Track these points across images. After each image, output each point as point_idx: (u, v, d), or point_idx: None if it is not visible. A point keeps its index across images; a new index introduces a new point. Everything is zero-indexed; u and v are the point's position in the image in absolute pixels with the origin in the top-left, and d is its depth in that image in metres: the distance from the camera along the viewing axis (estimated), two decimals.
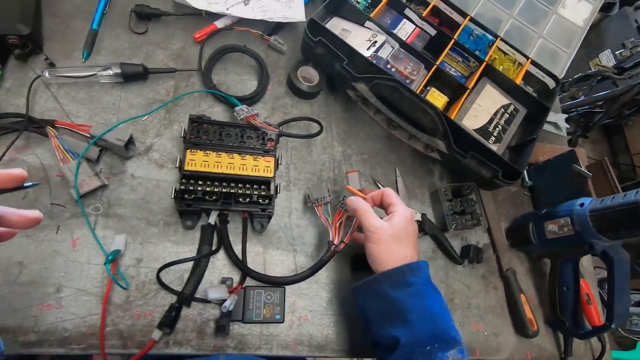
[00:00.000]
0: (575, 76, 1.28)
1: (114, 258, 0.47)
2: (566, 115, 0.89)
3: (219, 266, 0.54)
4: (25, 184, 0.32)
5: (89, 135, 0.51)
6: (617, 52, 1.24)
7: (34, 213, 0.33)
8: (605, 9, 2.15)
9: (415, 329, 0.44)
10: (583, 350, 0.71)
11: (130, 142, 0.52)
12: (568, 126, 0.89)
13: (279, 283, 0.54)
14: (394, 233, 0.49)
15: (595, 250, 0.60)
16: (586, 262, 0.78)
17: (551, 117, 0.89)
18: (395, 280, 0.47)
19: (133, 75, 0.57)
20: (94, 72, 0.55)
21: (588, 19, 0.82)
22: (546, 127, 0.88)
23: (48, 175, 0.51)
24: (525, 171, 0.80)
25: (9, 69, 0.53)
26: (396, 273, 0.47)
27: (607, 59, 1.39)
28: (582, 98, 1.29)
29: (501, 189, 0.76)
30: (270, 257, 0.57)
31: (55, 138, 0.50)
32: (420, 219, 0.67)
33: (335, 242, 0.53)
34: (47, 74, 0.53)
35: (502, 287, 0.69)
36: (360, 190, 0.56)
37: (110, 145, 0.52)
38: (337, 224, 0.54)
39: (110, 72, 0.56)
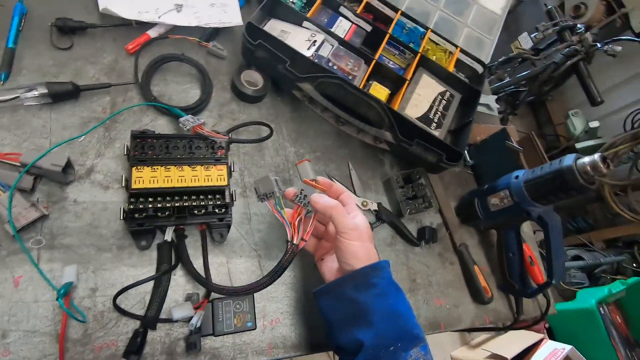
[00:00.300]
0: (499, 59, 1.40)
1: (66, 291, 0.44)
2: (496, 96, 0.97)
3: (182, 283, 0.52)
4: None
5: (19, 164, 0.47)
6: (532, 36, 1.38)
7: None
8: None
9: (379, 330, 0.44)
10: (532, 307, 0.78)
11: (68, 166, 0.49)
12: (498, 106, 0.97)
13: (238, 293, 0.49)
14: (368, 232, 0.49)
15: (532, 217, 0.66)
16: (527, 228, 0.86)
17: (483, 99, 0.96)
18: (359, 282, 0.46)
19: (62, 94, 0.53)
20: (17, 95, 0.51)
21: (505, 6, 0.90)
22: (480, 108, 0.95)
23: None
24: (466, 152, 0.86)
25: None
26: (360, 275, 0.46)
27: (525, 41, 1.53)
28: (507, 79, 1.41)
29: (447, 170, 0.81)
30: (235, 266, 0.57)
31: None
32: (377, 208, 0.69)
33: (295, 241, 0.49)
34: None
35: (458, 262, 0.74)
36: (314, 180, 0.52)
37: (46, 172, 0.48)
38: (296, 222, 0.50)
39: (36, 92, 0.52)
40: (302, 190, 0.50)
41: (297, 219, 0.49)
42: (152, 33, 0.64)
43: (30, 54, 0.56)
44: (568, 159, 0.59)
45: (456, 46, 0.80)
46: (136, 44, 0.62)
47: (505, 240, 0.72)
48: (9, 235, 0.46)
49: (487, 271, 0.77)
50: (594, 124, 2.08)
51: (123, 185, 0.50)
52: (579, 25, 1.29)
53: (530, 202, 0.64)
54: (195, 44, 0.67)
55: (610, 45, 1.22)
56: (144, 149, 0.52)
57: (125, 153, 0.52)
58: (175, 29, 0.66)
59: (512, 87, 1.42)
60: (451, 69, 0.78)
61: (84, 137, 0.54)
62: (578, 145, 2.05)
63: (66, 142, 0.52)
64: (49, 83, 0.52)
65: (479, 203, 0.73)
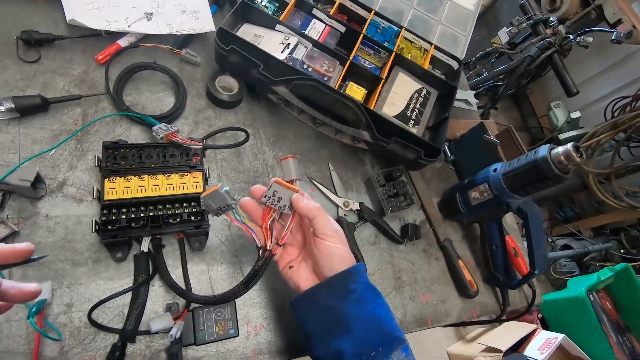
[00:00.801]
0: (477, 55, 1.42)
1: (39, 309, 0.43)
2: (474, 92, 0.98)
3: (162, 293, 0.52)
4: (32, 257, 0.32)
5: None
6: (507, 30, 1.40)
7: (32, 286, 0.31)
8: None
9: (359, 337, 0.43)
10: (518, 298, 0.79)
11: (38, 180, 0.48)
12: (477, 101, 0.98)
13: (214, 302, 0.48)
14: (344, 236, 0.49)
15: (511, 208, 0.67)
16: (510, 220, 0.87)
17: (461, 94, 0.97)
18: (336, 289, 0.45)
19: (30, 108, 0.53)
20: None
21: (477, 2, 0.91)
22: (458, 104, 0.96)
23: None
24: (446, 147, 0.87)
25: None
26: (336, 281, 0.46)
27: (504, 36, 1.55)
28: (485, 74, 1.43)
29: (427, 167, 0.81)
30: (216, 273, 0.56)
31: None
32: (359, 208, 0.69)
33: (268, 246, 0.46)
34: None
35: (442, 257, 0.75)
36: (291, 182, 0.49)
37: (15, 188, 0.47)
38: (268, 224, 0.46)
39: (2, 107, 0.51)
40: (276, 191, 0.46)
41: (270, 221, 0.46)
42: (123, 42, 0.63)
43: None
44: (542, 150, 0.60)
45: (430, 43, 0.81)
46: (106, 54, 0.61)
47: (488, 233, 0.73)
48: None
49: (472, 265, 0.77)
50: (576, 114, 2.11)
51: (95, 197, 0.49)
52: (552, 19, 1.31)
53: (509, 194, 0.65)
54: (168, 51, 0.66)
55: (582, 37, 1.24)
56: (116, 160, 0.52)
57: (96, 164, 0.51)
58: (146, 38, 0.65)
59: (491, 81, 1.44)
60: (426, 66, 0.79)
61: (54, 150, 0.53)
62: (561, 136, 2.08)
63: (36, 156, 0.51)
64: (15, 97, 0.51)
65: (460, 197, 0.74)
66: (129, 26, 0.62)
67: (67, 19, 0.59)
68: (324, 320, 0.45)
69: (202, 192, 0.53)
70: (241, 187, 0.63)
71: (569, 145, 0.58)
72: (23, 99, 0.52)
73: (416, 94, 0.76)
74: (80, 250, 0.50)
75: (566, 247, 2.09)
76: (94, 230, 0.46)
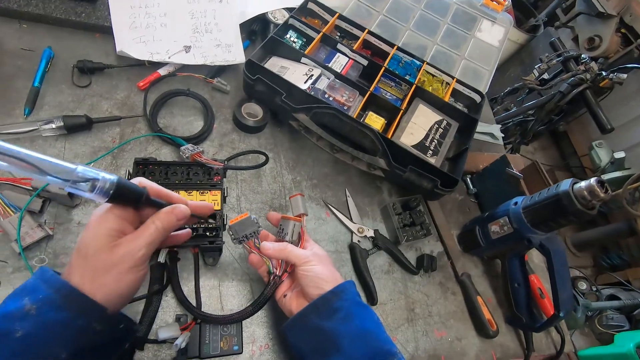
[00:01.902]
0: (505, 90, 1.41)
1: None
2: (500, 126, 0.97)
3: (173, 304, 0.54)
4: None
5: (31, 188, 0.52)
6: (536, 66, 1.38)
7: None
8: (532, 30, 2.38)
9: (349, 354, 0.43)
10: (545, 344, 0.73)
11: None
12: (503, 135, 0.97)
13: (217, 322, 0.51)
14: (327, 258, 0.52)
15: (533, 244, 0.64)
16: (536, 259, 0.83)
17: (487, 128, 0.97)
18: (323, 310, 0.46)
19: (76, 126, 0.59)
20: (35, 127, 0.56)
21: (502, 39, 0.92)
22: (484, 137, 0.96)
23: None
24: (468, 179, 0.85)
25: None
26: (322, 302, 0.46)
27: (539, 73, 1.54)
28: (514, 109, 1.40)
29: (448, 198, 0.81)
30: (226, 289, 0.57)
31: None
32: (374, 235, 0.69)
33: (278, 272, 0.51)
34: None
35: (460, 292, 0.72)
36: (300, 215, 0.55)
37: (54, 196, 0.52)
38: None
39: (53, 125, 0.57)
40: (281, 225, 0.54)
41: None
42: (162, 71, 0.70)
43: (53, 92, 0.62)
44: (564, 184, 0.58)
45: (452, 77, 0.83)
46: (147, 81, 0.68)
47: (509, 270, 0.70)
48: (15, 253, 0.49)
49: (492, 303, 0.73)
50: (620, 154, 2.00)
51: None
52: (583, 55, 1.29)
53: (530, 229, 0.62)
54: (201, 80, 0.72)
55: (615, 74, 1.20)
56: (145, 175, 0.56)
57: (127, 178, 0.55)
58: (183, 67, 0.72)
59: (520, 117, 1.41)
60: (447, 98, 0.80)
61: (92, 164, 0.59)
62: (605, 177, 1.96)
63: None
64: (65, 117, 0.58)
65: (480, 231, 0.72)
66: (169, 57, 0.69)
67: (117, 50, 0.67)
68: (314, 341, 0.46)
69: (219, 210, 0.56)
70: (258, 208, 0.66)
71: (593, 180, 0.55)
72: (71, 118, 0.59)
73: (436, 125, 0.77)
74: None
75: (613, 297, 1.91)
76: None
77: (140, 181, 0.41)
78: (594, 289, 1.96)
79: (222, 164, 0.59)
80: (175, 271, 0.54)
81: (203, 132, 0.67)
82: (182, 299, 0.52)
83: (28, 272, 0.49)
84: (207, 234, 0.54)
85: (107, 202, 0.36)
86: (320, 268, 0.48)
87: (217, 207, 0.56)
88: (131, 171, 0.56)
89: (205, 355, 0.50)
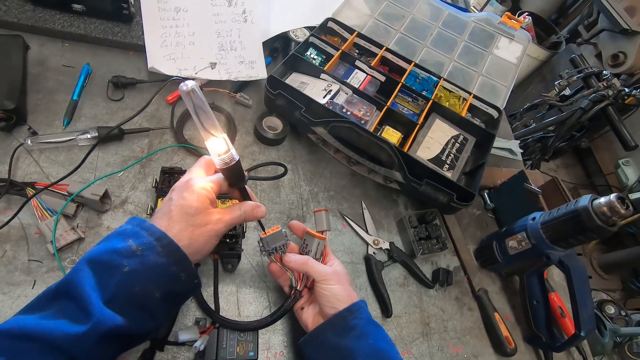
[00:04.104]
0: (525, 106, 1.40)
1: None
2: (518, 141, 0.96)
3: (193, 307, 0.56)
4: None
5: (66, 193, 0.55)
6: (556, 83, 1.37)
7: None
8: (554, 47, 2.37)
9: None
10: None
11: (105, 196, 0.57)
12: (522, 150, 0.96)
13: (236, 328, 0.53)
14: (346, 277, 0.53)
15: (552, 261, 0.63)
16: (557, 277, 0.81)
17: (505, 143, 0.97)
18: (338, 327, 0.47)
19: (109, 137, 0.63)
20: (73, 137, 0.61)
21: (520, 56, 0.93)
22: (502, 153, 0.95)
23: (27, 233, 0.54)
24: (486, 194, 0.85)
25: None
26: (338, 319, 0.48)
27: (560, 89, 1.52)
28: (533, 125, 1.39)
29: (465, 213, 0.81)
30: (243, 295, 0.59)
31: (34, 198, 0.54)
32: (389, 247, 0.70)
33: (299, 287, 0.53)
34: (29, 142, 0.58)
35: (477, 308, 0.71)
36: (322, 232, 0.56)
37: (87, 201, 0.56)
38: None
39: (89, 135, 0.62)
40: (305, 239, 0.56)
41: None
42: None
43: (90, 105, 0.67)
44: (583, 200, 0.58)
45: (469, 93, 0.84)
46: (174, 95, 0.72)
47: (528, 286, 0.69)
48: (50, 255, 0.53)
49: (511, 321, 0.72)
50: None
51: (148, 213, 0.56)
52: (605, 72, 1.27)
53: (548, 245, 0.62)
54: (225, 94, 0.76)
55: (638, 90, 1.18)
56: (170, 183, 0.59)
57: (153, 185, 0.59)
58: (209, 83, 0.76)
59: (540, 133, 1.39)
60: (464, 114, 0.81)
61: (122, 172, 0.62)
62: (632, 196, 1.89)
63: (107, 176, 0.60)
64: (99, 127, 0.62)
65: (498, 246, 0.71)
66: (196, 73, 0.73)
67: (148, 66, 0.71)
68: (330, 358, 0.47)
69: None
70: (276, 217, 0.68)
71: (613, 196, 0.55)
72: (105, 129, 0.63)
73: (452, 140, 0.78)
74: None
75: None
76: None
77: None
78: (623, 313, 1.87)
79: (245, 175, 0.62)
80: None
81: None
82: (202, 303, 0.54)
83: (61, 272, 0.52)
84: (227, 240, 0.56)
85: (221, 169, 0.44)
86: (338, 288, 0.50)
87: None
88: (158, 179, 0.60)
89: (222, 359, 0.52)
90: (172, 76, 0.72)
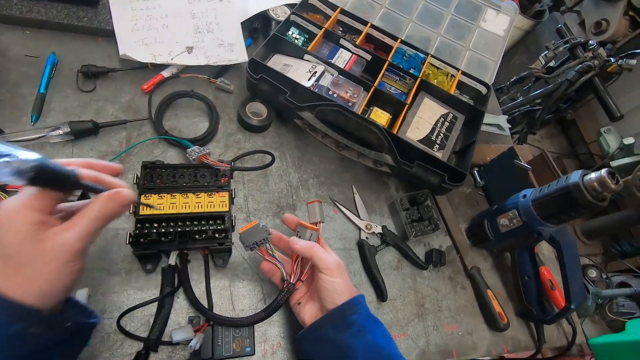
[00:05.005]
0: (511, 80, 1.39)
1: None
2: (507, 116, 0.96)
3: (185, 305, 0.54)
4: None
5: None
6: (542, 54, 1.36)
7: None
8: (537, 15, 2.34)
9: None
10: (556, 336, 0.73)
11: (84, 196, 0.53)
12: (510, 126, 0.96)
13: (230, 324, 0.51)
14: (344, 266, 0.51)
15: (543, 237, 0.63)
16: (546, 250, 0.82)
17: (493, 119, 0.96)
18: (337, 322, 0.46)
19: (83, 132, 0.59)
20: (43, 134, 0.57)
21: (507, 28, 0.91)
22: (490, 129, 0.95)
23: None
24: (475, 172, 0.85)
25: None
26: (337, 314, 0.47)
27: (545, 60, 1.51)
28: (520, 99, 1.38)
29: (456, 192, 0.80)
30: (237, 289, 0.58)
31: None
32: (382, 231, 0.69)
33: (292, 280, 0.51)
34: None
35: (470, 286, 0.72)
36: (316, 223, 0.54)
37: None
38: (295, 263, 0.52)
39: (60, 131, 0.58)
40: (298, 232, 0.54)
41: (296, 260, 0.52)
42: (166, 73, 0.70)
43: (59, 98, 0.63)
44: (574, 176, 0.57)
45: (457, 69, 0.82)
46: (150, 83, 0.68)
47: (519, 263, 0.69)
48: None
49: (503, 296, 0.73)
50: (629, 140, 1.96)
51: (131, 211, 0.53)
52: (591, 42, 1.26)
53: (540, 222, 0.62)
54: (205, 80, 0.72)
55: (625, 60, 1.18)
56: (153, 178, 0.56)
57: (135, 182, 0.56)
58: (186, 69, 0.72)
59: (527, 106, 1.39)
60: (452, 91, 0.79)
61: None
62: (613, 163, 1.93)
63: None
64: (71, 122, 0.58)
65: (489, 224, 0.71)
66: (172, 59, 0.69)
67: (120, 53, 0.66)
68: (328, 353, 0.46)
69: (227, 211, 0.56)
70: (265, 207, 0.66)
71: (603, 171, 0.55)
72: (78, 124, 0.59)
73: (442, 119, 0.77)
74: (116, 261, 0.54)
75: (623, 284, 1.89)
76: (127, 242, 0.50)
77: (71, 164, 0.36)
78: (604, 276, 1.95)
79: (229, 165, 0.59)
80: (186, 273, 0.54)
81: (208, 133, 0.67)
82: (194, 301, 0.52)
83: None
84: (217, 235, 0.54)
85: (26, 184, 0.31)
86: (339, 281, 0.48)
87: (225, 209, 0.56)
88: (139, 175, 0.57)
89: (218, 356, 0.51)
90: (147, 63, 0.68)
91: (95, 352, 0.48)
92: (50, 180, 0.32)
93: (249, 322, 0.50)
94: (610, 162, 1.96)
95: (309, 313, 0.50)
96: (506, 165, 0.78)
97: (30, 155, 0.30)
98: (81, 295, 0.50)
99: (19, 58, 0.63)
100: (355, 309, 0.47)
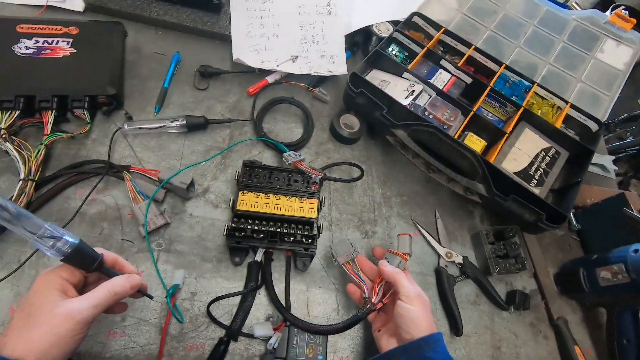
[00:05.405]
0: (621, 117, 1.25)
1: (174, 292, 0.52)
2: (613, 157, 0.87)
3: (265, 302, 0.57)
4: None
5: (157, 179, 0.58)
6: None
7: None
8: None
9: None
10: None
11: (191, 184, 0.59)
12: (616, 168, 0.87)
13: (310, 331, 0.53)
14: (429, 303, 0.50)
15: None
16: None
17: (597, 159, 0.87)
18: (412, 356, 0.45)
19: (195, 126, 0.65)
20: (164, 124, 0.63)
21: (629, 62, 0.82)
22: (593, 169, 0.86)
23: (121, 213, 0.57)
24: (572, 214, 0.78)
25: (96, 122, 0.63)
26: (413, 348, 0.45)
27: None
28: (630, 139, 1.24)
29: (547, 232, 0.74)
30: (313, 295, 0.59)
31: (129, 181, 0.57)
32: (462, 262, 0.66)
33: (373, 300, 0.52)
34: (125, 127, 0.62)
35: (554, 337, 0.66)
36: (407, 254, 0.55)
37: (174, 188, 0.58)
38: (377, 285, 0.53)
39: (177, 123, 0.64)
40: (387, 257, 0.55)
41: (379, 283, 0.53)
42: (270, 79, 0.74)
43: (178, 93, 0.69)
44: None
45: (566, 101, 0.76)
46: (256, 87, 0.72)
47: (618, 323, 0.62)
48: (140, 236, 0.56)
49: (591, 356, 0.66)
50: None
51: (229, 205, 0.57)
52: None
53: None
54: (304, 89, 0.75)
55: None
56: (251, 177, 0.60)
57: (235, 178, 0.60)
58: (288, 76, 0.76)
59: (636, 148, 1.24)
60: (558, 124, 0.73)
61: (204, 163, 0.64)
62: None
63: (193, 165, 0.62)
64: (187, 116, 0.64)
65: (585, 274, 0.65)
66: (277, 66, 0.73)
67: (233, 58, 0.72)
68: None
69: (315, 218, 0.58)
70: (347, 219, 0.67)
71: None
72: (192, 118, 0.65)
73: (543, 153, 0.71)
74: (210, 249, 0.58)
75: None
76: (224, 233, 0.54)
77: (99, 249, 0.42)
78: None
79: (322, 174, 0.61)
80: (270, 272, 0.57)
81: (303, 139, 0.70)
82: (275, 300, 0.54)
83: (149, 254, 0.55)
84: (304, 240, 0.56)
85: (61, 260, 0.37)
86: (418, 312, 0.47)
87: (314, 216, 0.58)
88: (239, 172, 0.61)
89: (291, 358, 0.52)
90: (255, 68, 0.73)
91: (184, 330, 0.52)
92: (79, 260, 0.39)
93: (327, 331, 0.51)
94: None
95: (385, 340, 0.50)
96: (612, 213, 0.70)
97: (72, 238, 0.37)
98: (179, 275, 0.54)
99: (150, 55, 0.71)
100: (433, 347, 0.45)
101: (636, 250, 0.58)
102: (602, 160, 0.87)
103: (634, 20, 0.85)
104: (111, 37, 0.66)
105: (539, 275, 0.70)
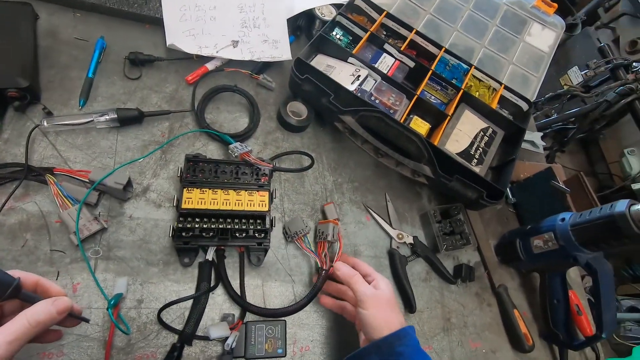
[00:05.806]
0: (547, 95, 1.36)
1: (116, 302, 0.48)
2: (542, 134, 0.94)
3: (219, 302, 0.55)
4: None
5: (87, 181, 0.53)
6: (582, 72, 1.33)
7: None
8: (569, 29, 2.29)
9: None
10: None
11: (128, 184, 0.54)
12: (544, 143, 0.94)
13: (278, 315, 0.54)
14: (389, 299, 0.51)
15: (579, 263, 0.63)
16: (573, 274, 0.81)
17: (527, 135, 0.94)
18: (384, 352, 0.46)
19: (129, 119, 0.59)
20: (91, 119, 0.57)
21: (553, 44, 0.89)
22: (524, 145, 0.93)
23: (47, 222, 0.51)
24: (508, 189, 0.84)
25: (8, 120, 0.55)
26: (384, 344, 0.46)
27: (575, 75, 1.48)
28: (555, 116, 1.36)
29: (487, 208, 0.79)
30: (269, 289, 0.58)
31: (54, 185, 0.51)
32: (412, 242, 0.69)
33: (325, 267, 0.57)
34: (45, 123, 0.55)
35: (496, 304, 0.71)
36: (337, 219, 0.62)
37: (109, 189, 0.53)
38: (322, 255, 0.59)
39: (107, 117, 0.58)
40: (319, 229, 0.62)
41: (323, 253, 0.59)
42: (210, 66, 0.69)
43: (106, 83, 0.63)
44: (620, 205, 0.56)
45: (500, 83, 0.80)
46: (195, 75, 0.68)
47: (549, 286, 0.69)
48: (73, 245, 0.51)
49: (528, 317, 0.73)
50: None
51: (174, 204, 0.54)
52: (635, 64, 1.23)
53: (577, 247, 0.61)
54: (247, 76, 0.72)
55: None
56: (195, 172, 0.56)
57: (178, 175, 0.56)
58: (230, 62, 0.71)
59: (560, 124, 1.37)
60: (494, 105, 0.78)
61: (143, 159, 0.59)
62: (635, 186, 1.90)
63: (129, 163, 0.57)
64: (118, 109, 0.59)
65: (521, 244, 0.71)
66: (217, 52, 0.69)
67: (167, 43, 0.66)
68: None
69: (267, 211, 0.56)
70: (300, 209, 0.66)
71: None
72: (124, 111, 0.59)
73: (481, 133, 0.75)
74: (154, 252, 0.54)
75: (633, 309, 1.87)
76: (170, 235, 0.51)
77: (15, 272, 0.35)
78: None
79: (271, 165, 0.59)
80: (224, 270, 0.55)
81: (249, 129, 0.67)
82: (234, 296, 0.53)
83: (84, 263, 0.50)
84: (256, 235, 0.55)
85: None
86: (375, 314, 0.48)
87: (265, 209, 0.57)
88: (182, 167, 0.57)
89: (250, 356, 0.51)
90: (192, 54, 0.68)
91: (132, 341, 0.49)
92: None
93: (293, 310, 0.53)
94: (632, 185, 1.93)
95: (365, 339, 0.51)
96: (542, 185, 0.77)
97: None
98: (121, 283, 0.50)
99: (69, 40, 0.63)
100: (404, 341, 0.46)
101: (563, 219, 0.64)
102: (532, 136, 0.94)
103: (556, 5, 0.92)
104: (17, 21, 0.57)
105: (482, 249, 0.75)
